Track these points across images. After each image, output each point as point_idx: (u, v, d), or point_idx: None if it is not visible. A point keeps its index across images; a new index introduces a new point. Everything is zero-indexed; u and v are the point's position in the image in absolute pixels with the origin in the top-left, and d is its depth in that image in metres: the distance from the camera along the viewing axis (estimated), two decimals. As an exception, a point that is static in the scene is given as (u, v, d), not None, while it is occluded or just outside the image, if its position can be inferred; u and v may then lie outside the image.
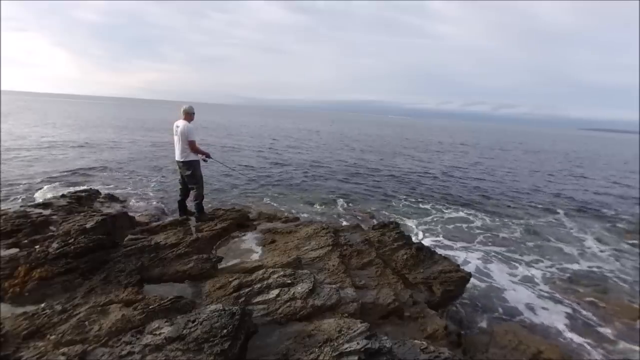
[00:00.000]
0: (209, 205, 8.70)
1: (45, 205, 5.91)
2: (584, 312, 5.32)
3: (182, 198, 5.90)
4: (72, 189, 8.14)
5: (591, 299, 5.67)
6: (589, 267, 7.09)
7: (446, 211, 10.23)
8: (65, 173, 11.36)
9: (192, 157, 5.47)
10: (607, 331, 4.86)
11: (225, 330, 2.39)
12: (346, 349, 2.42)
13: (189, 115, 5.39)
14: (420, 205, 10.68)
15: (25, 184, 9.61)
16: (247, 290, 3.42)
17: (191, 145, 5.33)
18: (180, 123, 5.32)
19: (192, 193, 5.81)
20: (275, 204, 9.56)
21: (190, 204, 5.93)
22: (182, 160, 5.45)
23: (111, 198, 7.74)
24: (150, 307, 2.85)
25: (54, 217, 5.30)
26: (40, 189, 9.15)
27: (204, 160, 5.67)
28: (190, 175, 5.57)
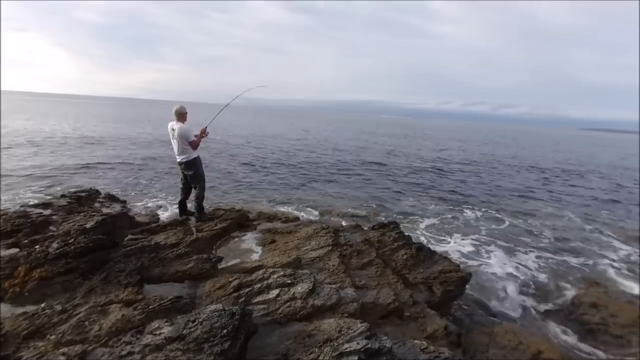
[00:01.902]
0: (208, 206, 8.70)
1: (45, 205, 5.91)
2: (584, 312, 5.31)
3: (182, 198, 5.90)
4: (72, 189, 8.14)
5: (591, 299, 5.66)
6: (589, 267, 7.09)
7: (446, 209, 10.22)
8: (66, 173, 11.36)
9: (194, 155, 5.45)
10: (607, 331, 4.86)
11: (225, 330, 2.39)
12: (346, 349, 2.42)
13: (181, 115, 5.32)
14: (422, 204, 10.68)
15: (25, 183, 9.60)
16: (247, 290, 3.42)
17: (192, 145, 5.33)
18: (176, 126, 5.28)
19: (193, 192, 5.79)
20: (275, 204, 9.56)
21: (191, 203, 5.93)
22: (183, 161, 5.44)
23: (111, 198, 7.73)
24: (150, 307, 2.85)
25: (54, 217, 5.30)
26: (40, 188, 9.15)
27: (205, 135, 5.54)
28: (193, 175, 5.57)
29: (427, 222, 9.07)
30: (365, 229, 6.03)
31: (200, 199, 5.69)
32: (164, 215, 7.35)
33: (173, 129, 5.28)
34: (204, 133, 5.49)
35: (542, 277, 6.43)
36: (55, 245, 3.80)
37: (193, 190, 5.79)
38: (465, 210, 10.47)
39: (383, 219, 8.82)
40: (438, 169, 18.32)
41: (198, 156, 5.54)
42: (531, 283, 6.13)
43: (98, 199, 7.40)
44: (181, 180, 5.85)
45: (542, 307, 5.36)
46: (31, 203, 6.50)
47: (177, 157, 5.44)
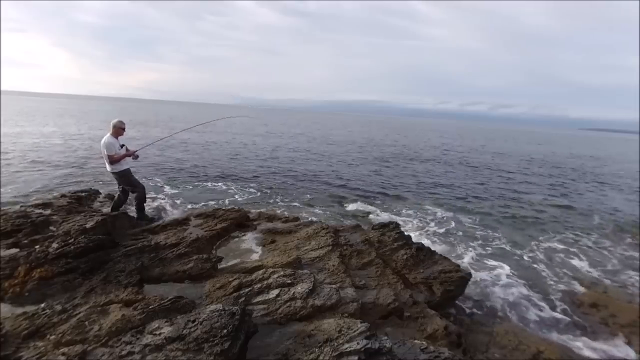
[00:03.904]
0: (208, 205, 8.71)
1: (45, 205, 5.90)
2: (585, 313, 5.31)
3: (118, 201, 6.23)
4: (72, 189, 8.13)
5: (591, 299, 5.66)
6: (589, 267, 7.08)
7: (447, 210, 10.21)
8: (66, 173, 11.36)
9: (120, 168, 5.77)
10: (607, 331, 4.86)
11: (225, 330, 2.39)
12: (346, 349, 2.42)
13: (115, 129, 5.67)
14: (422, 205, 10.67)
15: (25, 183, 9.60)
16: (247, 290, 3.43)
17: (110, 159, 5.59)
18: (104, 137, 5.64)
19: (132, 195, 6.14)
20: (275, 204, 9.56)
21: (139, 206, 6.21)
22: (111, 171, 5.80)
23: (111, 198, 7.72)
24: (150, 307, 2.85)
25: (54, 217, 5.29)
26: (40, 188, 9.15)
27: (134, 158, 5.94)
28: (124, 182, 5.95)
29: (428, 221, 9.07)
30: (365, 229, 6.03)
31: (139, 200, 6.00)
32: (164, 216, 7.34)
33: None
34: (131, 155, 5.82)
35: (542, 277, 6.43)
36: (55, 245, 3.81)
37: (131, 193, 6.13)
38: (466, 210, 10.46)
39: (383, 219, 8.82)
40: (440, 170, 18.32)
41: (127, 168, 5.87)
42: (531, 283, 6.13)
43: (98, 199, 7.40)
44: (118, 186, 6.18)
45: (542, 307, 5.35)
46: (31, 203, 6.49)
47: (107, 166, 5.75)
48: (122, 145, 5.75)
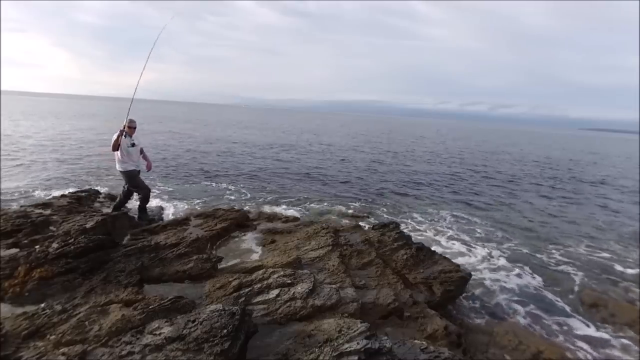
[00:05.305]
0: (209, 205, 8.71)
1: (45, 205, 5.91)
2: (585, 312, 5.31)
3: (120, 201, 6.23)
4: (72, 189, 8.14)
5: (592, 299, 5.66)
6: (589, 267, 7.09)
7: (448, 210, 10.21)
8: (66, 173, 11.36)
9: (130, 167, 5.81)
10: (607, 332, 4.85)
11: (225, 330, 2.39)
12: (346, 349, 2.42)
13: (128, 128, 5.75)
14: (422, 205, 10.67)
15: (25, 183, 9.60)
16: (247, 290, 3.43)
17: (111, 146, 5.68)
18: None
19: (136, 196, 6.19)
20: (275, 204, 9.56)
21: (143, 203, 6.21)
22: (119, 170, 5.87)
23: (111, 198, 7.72)
24: (150, 307, 2.85)
25: (54, 217, 5.30)
26: (41, 188, 9.15)
27: (124, 135, 5.74)
28: (131, 183, 5.97)
29: (427, 221, 9.07)
30: (365, 229, 6.03)
31: (143, 199, 6.04)
32: (164, 216, 7.35)
33: None
34: (120, 135, 5.66)
35: (542, 277, 6.42)
36: (55, 245, 3.81)
37: (136, 193, 6.16)
38: (466, 210, 10.46)
39: (383, 219, 8.82)
40: (443, 170, 18.32)
41: (133, 170, 5.87)
42: (531, 283, 6.13)
43: (98, 199, 7.39)
44: (123, 186, 6.19)
45: (542, 307, 5.35)
46: (31, 203, 6.49)
47: (116, 165, 5.85)
48: (133, 144, 5.81)
